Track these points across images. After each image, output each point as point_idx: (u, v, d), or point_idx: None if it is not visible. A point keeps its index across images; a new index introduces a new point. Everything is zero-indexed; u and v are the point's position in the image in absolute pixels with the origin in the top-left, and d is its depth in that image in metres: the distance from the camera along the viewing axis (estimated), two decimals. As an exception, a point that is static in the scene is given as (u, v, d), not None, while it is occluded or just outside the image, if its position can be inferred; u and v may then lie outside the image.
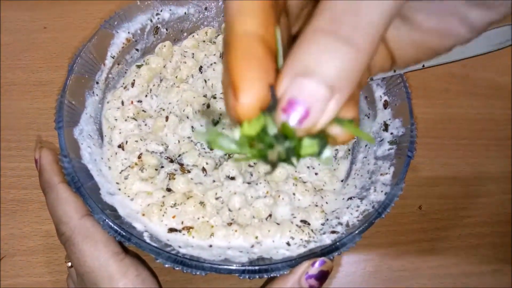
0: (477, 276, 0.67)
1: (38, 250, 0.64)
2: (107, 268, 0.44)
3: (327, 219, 0.52)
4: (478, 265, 0.68)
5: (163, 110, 0.59)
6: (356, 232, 0.46)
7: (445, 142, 0.79)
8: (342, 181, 0.59)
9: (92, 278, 0.44)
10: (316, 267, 0.44)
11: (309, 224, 0.51)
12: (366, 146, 0.59)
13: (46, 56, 0.81)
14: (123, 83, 0.62)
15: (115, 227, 0.44)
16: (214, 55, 0.63)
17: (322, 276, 0.44)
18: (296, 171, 0.57)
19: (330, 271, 0.45)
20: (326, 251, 0.45)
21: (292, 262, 0.44)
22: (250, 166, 0.56)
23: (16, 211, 0.67)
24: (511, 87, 0.85)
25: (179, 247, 0.46)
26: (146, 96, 0.60)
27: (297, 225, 0.51)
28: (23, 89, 0.78)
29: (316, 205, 0.54)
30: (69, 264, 0.51)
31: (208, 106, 0.57)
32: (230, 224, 0.51)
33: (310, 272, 0.43)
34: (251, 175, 0.54)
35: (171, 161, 0.55)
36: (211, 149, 0.56)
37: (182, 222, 0.50)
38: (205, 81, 0.60)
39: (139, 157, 0.54)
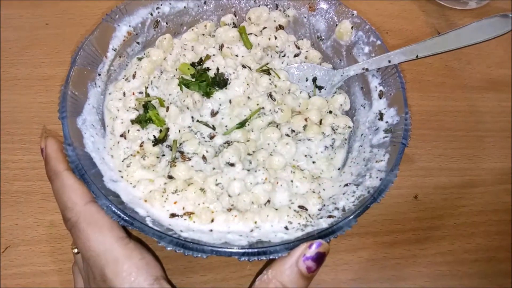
0: (473, 264, 0.68)
1: (42, 240, 0.65)
2: (112, 252, 0.45)
3: (324, 205, 0.54)
4: (473, 253, 0.69)
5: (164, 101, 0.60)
6: (352, 216, 0.48)
7: (441, 133, 0.80)
8: (338, 169, 0.60)
9: (98, 262, 0.45)
10: (313, 249, 0.45)
11: (306, 209, 0.53)
12: (362, 135, 0.61)
13: (48, 51, 0.83)
14: (125, 75, 0.63)
15: (119, 212, 0.46)
16: (214, 47, 0.64)
17: (319, 258, 0.45)
18: (294, 160, 0.58)
19: (327, 253, 0.46)
20: (323, 234, 0.46)
21: (290, 245, 0.46)
22: (249, 154, 0.57)
23: (20, 202, 0.68)
24: (510, 79, 0.87)
25: (181, 231, 0.48)
26: (147, 87, 0.61)
27: (295, 210, 0.52)
28: (26, 83, 0.79)
29: (314, 192, 0.55)
30: (75, 250, 0.52)
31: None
32: (230, 209, 0.52)
33: (307, 254, 0.45)
34: (250, 162, 0.56)
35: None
36: (211, 138, 0.57)
37: (183, 208, 0.51)
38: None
39: (141, 145, 0.56)
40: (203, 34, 0.68)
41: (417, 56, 0.57)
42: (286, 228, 0.51)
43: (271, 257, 0.45)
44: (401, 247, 0.68)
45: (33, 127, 0.74)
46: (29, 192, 0.69)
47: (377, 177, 0.52)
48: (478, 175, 0.77)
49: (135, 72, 0.62)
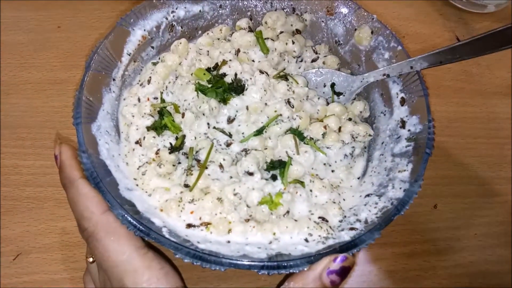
0: (495, 276, 0.66)
1: (54, 247, 0.64)
2: (131, 262, 0.44)
3: (345, 216, 0.52)
4: (495, 265, 0.67)
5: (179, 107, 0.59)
6: (375, 228, 0.46)
7: (460, 140, 0.78)
8: (358, 178, 0.58)
9: (116, 272, 0.44)
10: (337, 262, 0.43)
11: (327, 220, 0.51)
12: (382, 143, 0.59)
13: (60, 55, 0.82)
14: (139, 80, 0.62)
15: (134, 222, 0.44)
16: (230, 52, 0.63)
17: (344, 272, 0.44)
18: (312, 168, 0.57)
19: (352, 266, 0.44)
20: (345, 248, 0.45)
21: (311, 259, 0.44)
22: (267, 163, 0.55)
23: (31, 208, 0.67)
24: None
25: (198, 242, 0.46)
26: (162, 93, 0.60)
27: (315, 222, 0.50)
28: (37, 87, 0.78)
29: (334, 202, 0.53)
30: (91, 259, 0.51)
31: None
32: (247, 220, 0.50)
33: (331, 268, 0.43)
34: (269, 171, 0.54)
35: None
36: (228, 146, 0.56)
37: (200, 218, 0.50)
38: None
39: (157, 153, 0.54)
40: (218, 39, 0.67)
41: (440, 62, 0.55)
42: (306, 240, 0.49)
43: (291, 271, 0.44)
44: (421, 258, 0.67)
45: (44, 132, 0.73)
46: (40, 198, 0.68)
47: (400, 188, 0.50)
48: (499, 184, 0.75)
49: (150, 77, 0.60)
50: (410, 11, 0.92)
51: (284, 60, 0.65)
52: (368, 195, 0.53)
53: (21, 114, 0.75)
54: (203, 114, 0.57)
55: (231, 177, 0.53)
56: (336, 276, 0.43)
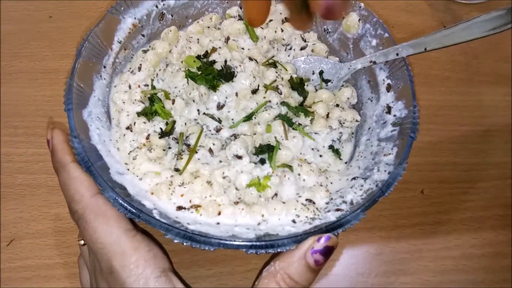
0: (478, 259, 0.68)
1: (47, 233, 0.65)
2: (119, 244, 0.45)
3: (332, 198, 0.53)
4: (479, 248, 0.69)
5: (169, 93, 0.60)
6: (360, 209, 0.47)
7: (447, 128, 0.80)
8: (346, 162, 0.60)
9: (105, 254, 0.45)
10: (321, 242, 0.44)
11: (314, 202, 0.52)
12: (369, 129, 0.60)
13: (52, 44, 0.82)
14: (130, 68, 0.63)
15: (125, 204, 0.45)
16: (219, 40, 0.64)
17: (328, 251, 0.45)
18: (301, 153, 0.58)
19: (335, 246, 0.45)
20: (331, 227, 0.46)
21: (298, 238, 0.45)
22: (256, 147, 0.56)
23: (24, 195, 0.68)
24: (512, 74, 0.87)
25: (188, 224, 0.47)
26: (152, 80, 0.61)
27: (302, 204, 0.52)
28: (29, 77, 0.79)
29: (321, 185, 0.55)
30: (82, 242, 0.52)
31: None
32: (237, 202, 0.52)
33: (315, 247, 0.44)
34: (257, 156, 0.55)
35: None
36: (217, 131, 0.57)
37: (190, 201, 0.51)
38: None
39: (147, 138, 0.55)
40: (209, 27, 0.67)
41: (425, 49, 0.57)
42: (294, 221, 0.50)
43: (278, 250, 0.45)
44: (408, 242, 0.68)
45: (37, 120, 0.74)
46: (33, 185, 0.69)
47: (385, 171, 0.51)
48: (484, 169, 0.76)
49: (141, 64, 0.61)
50: (399, 1, 0.93)
51: (274, 48, 0.66)
52: (354, 178, 0.55)
53: (13, 103, 0.76)
54: (193, 101, 0.58)
55: (220, 161, 0.54)
56: (320, 256, 0.44)
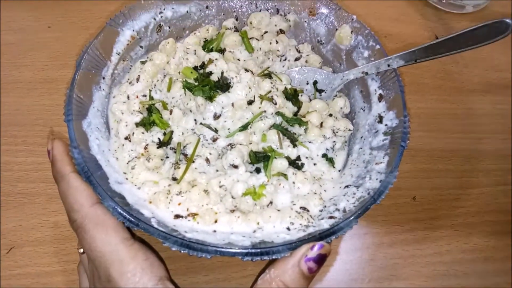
0: (469, 263, 0.69)
1: (46, 241, 0.66)
2: (117, 252, 0.46)
3: (325, 206, 0.55)
4: (470, 253, 0.71)
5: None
6: (353, 217, 0.49)
7: (439, 135, 0.81)
8: (339, 170, 0.61)
9: (103, 262, 0.46)
10: (315, 250, 0.46)
11: (308, 210, 0.54)
12: (361, 138, 0.62)
13: (51, 55, 0.84)
14: (128, 79, 0.64)
15: (124, 213, 0.46)
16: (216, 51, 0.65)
17: (321, 259, 0.46)
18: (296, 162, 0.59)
19: (328, 254, 0.47)
20: (324, 235, 0.48)
21: (292, 245, 0.47)
22: (251, 157, 0.58)
23: (24, 203, 0.69)
24: (506, 82, 0.88)
25: (185, 232, 0.49)
26: (150, 90, 0.62)
27: (296, 212, 0.53)
28: (29, 86, 0.80)
29: (315, 193, 0.56)
30: (81, 250, 0.53)
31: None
32: (233, 210, 0.53)
33: (309, 255, 0.46)
34: (253, 165, 0.57)
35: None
36: (214, 141, 0.58)
37: (188, 209, 0.52)
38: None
39: (145, 148, 0.57)
40: (205, 38, 0.69)
41: (415, 61, 0.59)
42: (288, 228, 0.52)
43: (273, 257, 0.46)
44: (400, 248, 0.70)
45: (36, 129, 0.75)
46: (32, 194, 0.70)
47: (377, 179, 0.53)
48: (475, 176, 0.78)
49: (139, 75, 0.63)
50: (391, 11, 0.95)
51: (269, 59, 0.68)
52: (347, 186, 0.56)
53: (13, 112, 0.77)
54: (190, 111, 0.60)
55: (217, 171, 0.56)
56: (313, 263, 0.45)
